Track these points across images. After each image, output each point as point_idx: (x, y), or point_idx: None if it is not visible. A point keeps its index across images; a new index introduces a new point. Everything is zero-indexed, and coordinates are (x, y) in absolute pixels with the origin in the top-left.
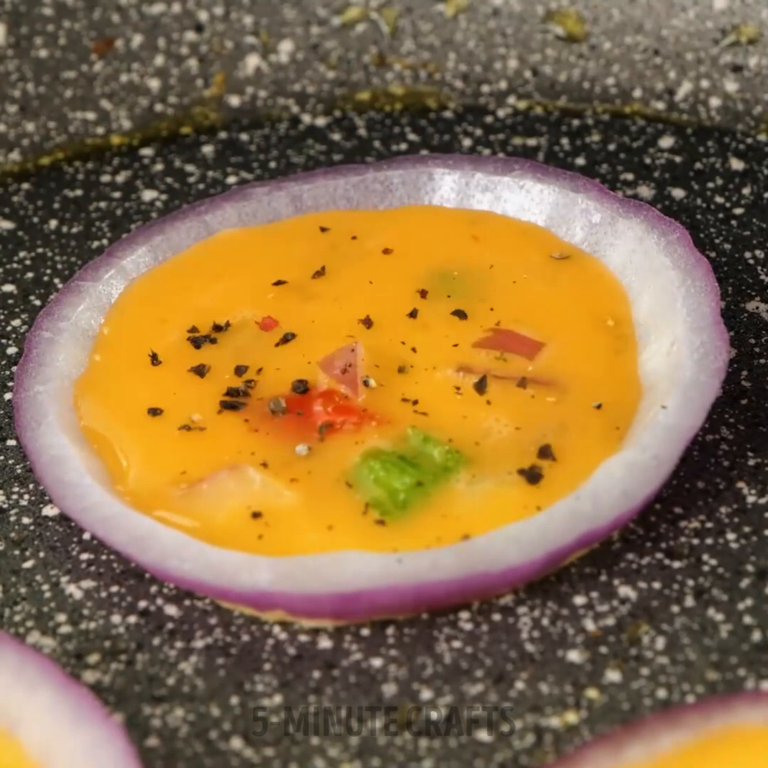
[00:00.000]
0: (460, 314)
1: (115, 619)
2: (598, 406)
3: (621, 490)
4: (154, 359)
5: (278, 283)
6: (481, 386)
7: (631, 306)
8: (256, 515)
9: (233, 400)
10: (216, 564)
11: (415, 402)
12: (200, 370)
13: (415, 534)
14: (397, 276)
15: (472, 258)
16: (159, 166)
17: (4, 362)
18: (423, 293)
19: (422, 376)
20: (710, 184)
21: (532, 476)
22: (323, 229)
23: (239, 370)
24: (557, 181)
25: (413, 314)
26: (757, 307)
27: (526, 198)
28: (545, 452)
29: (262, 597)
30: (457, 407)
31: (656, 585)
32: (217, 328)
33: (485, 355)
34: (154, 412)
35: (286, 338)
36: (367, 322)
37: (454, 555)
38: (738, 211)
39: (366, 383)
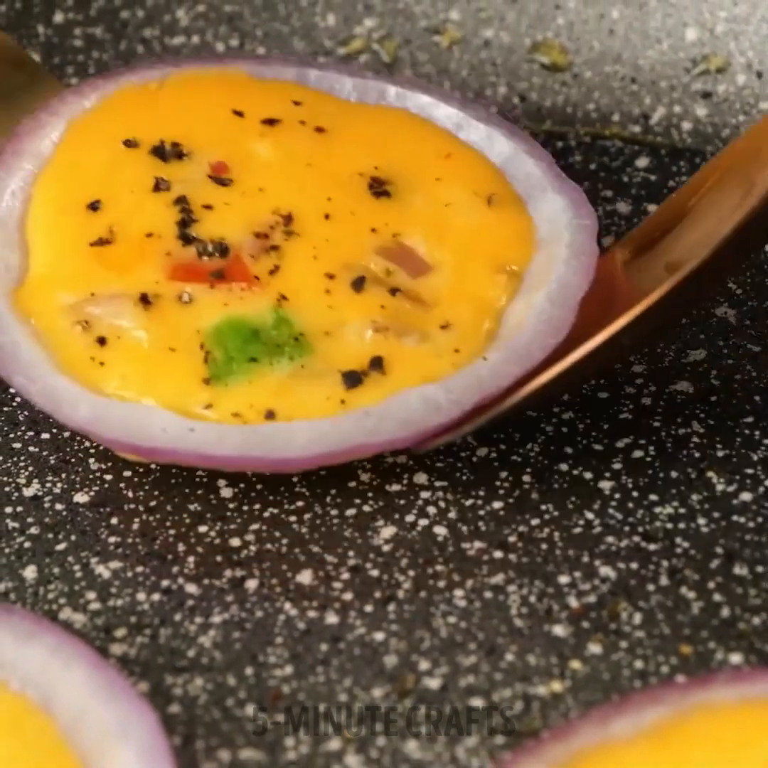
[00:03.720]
0: (378, 216)
1: (141, 596)
2: (446, 326)
3: (404, 419)
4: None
5: (236, 112)
6: (358, 285)
7: (531, 262)
8: (101, 341)
9: (157, 232)
10: (51, 391)
11: (285, 283)
12: (157, 186)
13: (226, 401)
14: (342, 161)
15: (422, 170)
16: None
17: None
18: (359, 184)
19: (315, 263)
20: None
21: (352, 380)
22: (296, 103)
23: (179, 202)
24: (513, 138)
25: (334, 201)
26: (726, 312)
27: (483, 142)
28: (376, 363)
29: (80, 430)
30: (328, 298)
31: (634, 565)
32: (178, 154)
33: (378, 261)
34: (93, 206)
35: (224, 183)
36: (293, 201)
37: (239, 435)
38: None
39: (267, 251)
